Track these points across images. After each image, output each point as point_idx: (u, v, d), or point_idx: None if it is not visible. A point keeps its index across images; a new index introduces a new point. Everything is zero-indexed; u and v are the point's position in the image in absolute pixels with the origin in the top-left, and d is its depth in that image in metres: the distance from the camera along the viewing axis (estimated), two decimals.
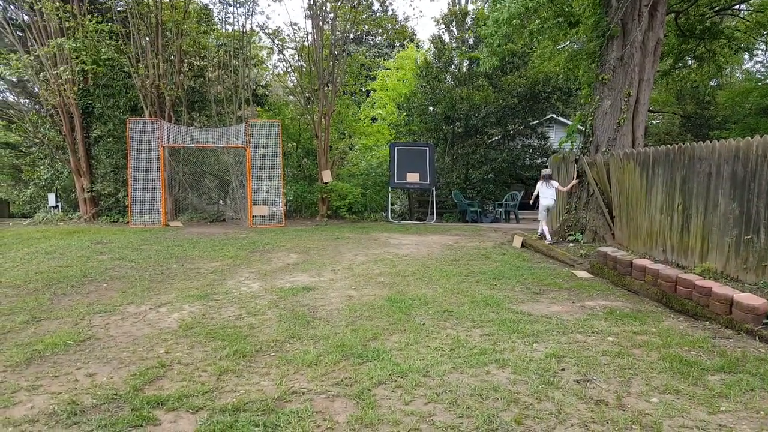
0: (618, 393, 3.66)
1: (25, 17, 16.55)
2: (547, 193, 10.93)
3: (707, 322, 5.36)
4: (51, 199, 17.77)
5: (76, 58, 15.22)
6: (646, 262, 6.86)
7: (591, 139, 10.90)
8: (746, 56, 19.12)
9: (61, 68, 15.08)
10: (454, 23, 22.70)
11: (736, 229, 6.38)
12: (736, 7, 14.48)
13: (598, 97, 10.67)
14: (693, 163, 7.22)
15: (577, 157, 10.98)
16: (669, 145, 7.89)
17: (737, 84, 24.24)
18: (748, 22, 14.56)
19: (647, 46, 10.30)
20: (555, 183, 10.95)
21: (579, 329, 5.13)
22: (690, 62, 16.10)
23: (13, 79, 18.34)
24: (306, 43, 17.75)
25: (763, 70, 23.93)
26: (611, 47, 10.39)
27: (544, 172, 11.01)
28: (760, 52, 19.28)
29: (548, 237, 10.67)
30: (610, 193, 9.88)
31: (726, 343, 4.75)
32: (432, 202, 17.53)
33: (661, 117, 24.51)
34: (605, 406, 3.46)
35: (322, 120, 17.15)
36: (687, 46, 14.20)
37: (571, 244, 10.25)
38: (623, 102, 10.32)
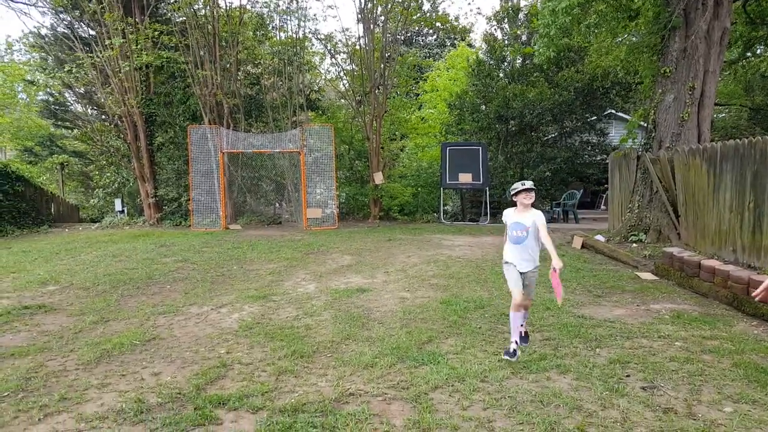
0: (688, 401, 3.49)
1: (91, 32, 17.50)
2: (520, 234, 4.46)
3: None
4: (117, 204, 18.72)
5: (138, 63, 15.83)
6: (715, 263, 6.52)
7: (653, 134, 10.46)
8: None
9: (124, 64, 15.70)
10: (506, 20, 22.32)
11: None
12: None
13: (660, 91, 10.23)
14: (765, 157, 6.80)
15: (639, 154, 10.55)
16: (738, 140, 7.46)
17: None
18: None
19: (712, 36, 9.78)
20: (537, 215, 4.43)
21: (644, 334, 4.92)
22: (759, 51, 15.16)
23: (81, 91, 19.42)
24: (357, 47, 17.93)
25: None
26: (673, 39, 9.94)
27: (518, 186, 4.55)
28: None
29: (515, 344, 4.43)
30: (675, 191, 9.43)
31: None
32: (485, 202, 17.29)
33: (727, 110, 23.19)
34: (674, 414, 3.31)
35: (374, 122, 17.27)
36: (757, 34, 13.38)
37: (634, 245, 9.87)
38: (687, 95, 9.85)
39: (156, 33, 15.76)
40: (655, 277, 7.57)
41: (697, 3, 9.64)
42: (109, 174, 20.03)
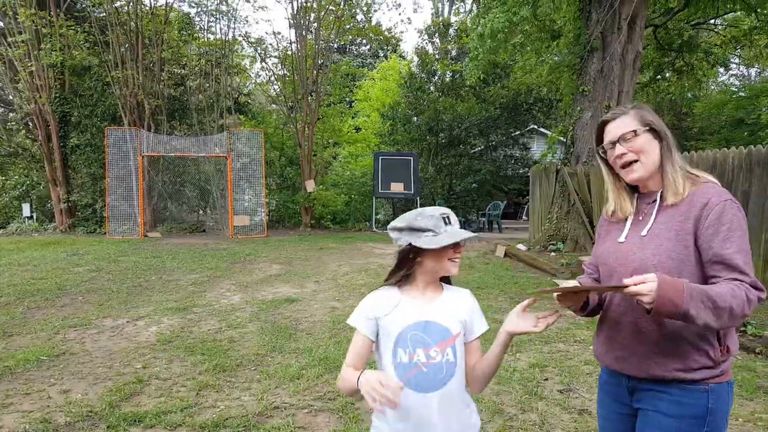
0: None
1: None
2: (432, 361, 1.56)
3: None
4: (25, 209, 17.38)
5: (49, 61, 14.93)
6: None
7: (572, 150, 11.04)
8: (721, 70, 19.58)
9: (30, 63, 14.69)
10: (437, 34, 22.91)
11: None
12: (712, 21, 14.84)
13: (578, 108, 10.82)
14: None
15: (559, 168, 11.09)
16: None
17: (712, 96, 24.81)
18: (723, 37, 14.94)
19: (626, 59, 10.49)
20: (467, 304, 1.70)
21: (561, 338, 5.14)
22: (669, 75, 16.44)
23: None
24: (289, 52, 17.74)
25: (737, 83, 24.54)
26: (591, 60, 10.57)
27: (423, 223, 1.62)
28: (734, 65, 19.79)
29: None
30: (591, 203, 9.99)
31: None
32: None
33: None
34: (588, 416, 3.46)
35: (306, 129, 17.12)
36: (666, 59, 14.49)
37: (552, 254, 10.32)
38: (603, 113, 10.47)
39: (71, 31, 14.86)
40: None
41: (613, 27, 10.31)
42: (17, 176, 18.59)
